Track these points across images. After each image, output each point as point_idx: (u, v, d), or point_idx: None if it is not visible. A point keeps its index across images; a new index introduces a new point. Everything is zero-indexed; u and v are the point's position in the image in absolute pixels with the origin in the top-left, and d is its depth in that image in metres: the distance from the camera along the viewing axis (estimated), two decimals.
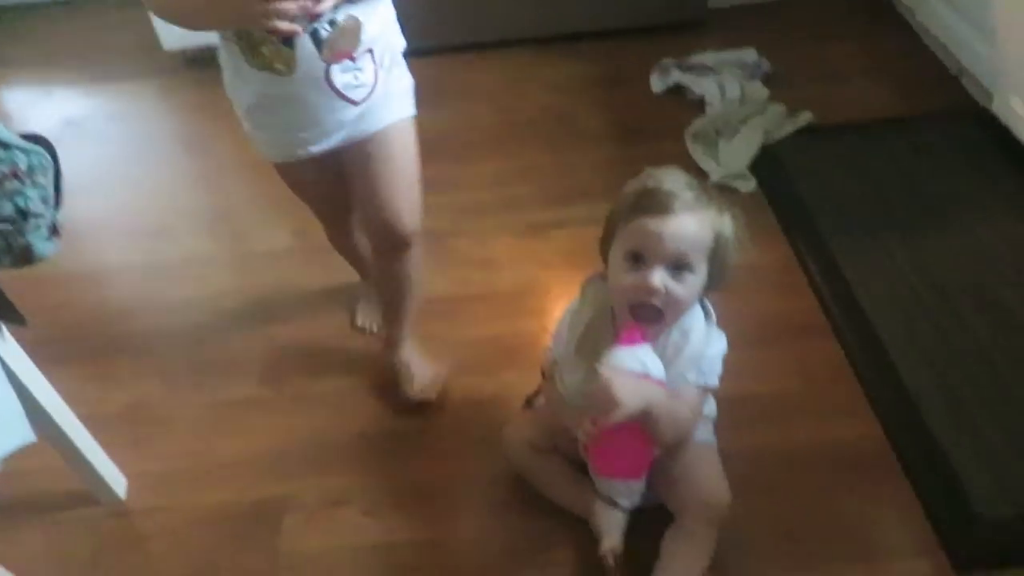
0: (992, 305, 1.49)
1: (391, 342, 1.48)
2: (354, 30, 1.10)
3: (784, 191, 1.82)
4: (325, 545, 1.27)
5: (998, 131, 1.82)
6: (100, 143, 2.18)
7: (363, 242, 1.47)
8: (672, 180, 1.05)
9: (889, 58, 2.20)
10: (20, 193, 1.05)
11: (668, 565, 1.12)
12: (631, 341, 1.03)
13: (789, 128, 1.97)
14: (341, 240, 1.52)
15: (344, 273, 1.65)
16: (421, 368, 1.46)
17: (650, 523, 1.18)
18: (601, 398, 0.99)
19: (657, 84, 2.17)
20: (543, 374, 1.24)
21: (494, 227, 1.83)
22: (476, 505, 1.30)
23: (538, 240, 1.78)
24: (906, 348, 1.43)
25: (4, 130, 1.03)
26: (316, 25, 1.06)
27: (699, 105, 2.08)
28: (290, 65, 1.10)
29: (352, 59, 1.12)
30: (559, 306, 1.65)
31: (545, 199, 1.88)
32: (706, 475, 1.16)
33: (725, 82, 2.08)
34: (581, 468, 1.20)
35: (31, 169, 1.05)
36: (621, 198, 1.08)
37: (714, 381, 1.10)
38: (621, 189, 1.10)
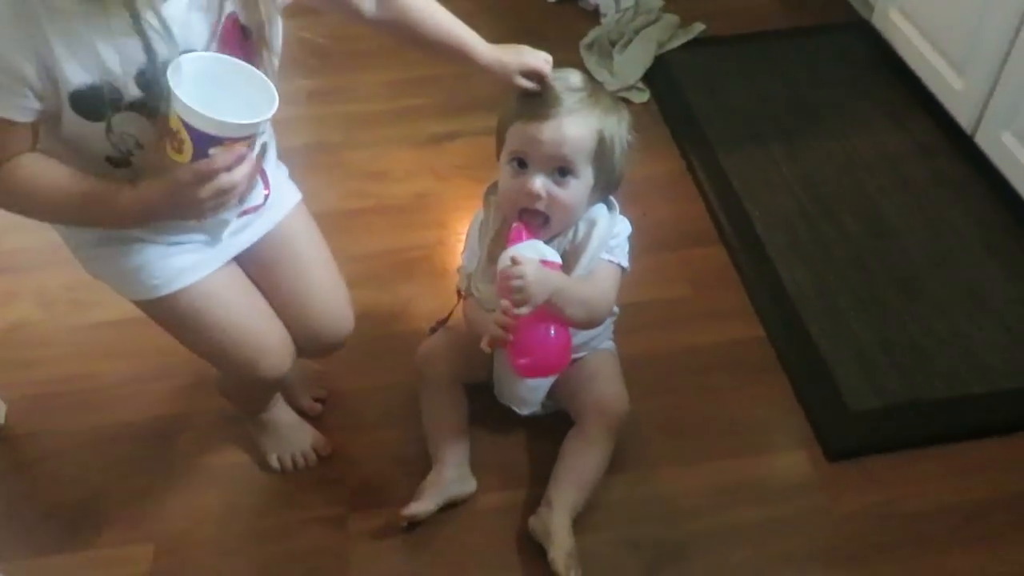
0: (867, 212, 1.57)
1: None
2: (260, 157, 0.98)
3: (676, 102, 1.84)
4: (225, 462, 1.26)
5: (878, 43, 1.88)
6: None
7: None
8: (561, 82, 1.04)
9: None
10: None
11: (568, 466, 1.15)
12: (518, 238, 1.02)
13: (682, 39, 1.98)
14: None
15: None
16: (299, 372, 1.29)
17: (550, 428, 1.22)
18: (508, 286, 0.97)
19: None
20: (459, 293, 1.21)
21: (388, 139, 1.79)
22: (377, 418, 1.30)
23: (433, 152, 1.76)
24: (787, 254, 1.50)
25: None
26: None
27: (594, 16, 2.07)
28: None
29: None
30: (455, 218, 1.66)
31: (439, 110, 1.85)
32: (606, 383, 1.19)
33: None
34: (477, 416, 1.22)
35: None
36: (508, 101, 1.07)
37: (624, 261, 1.11)
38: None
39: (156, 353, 1.35)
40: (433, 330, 1.29)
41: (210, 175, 0.80)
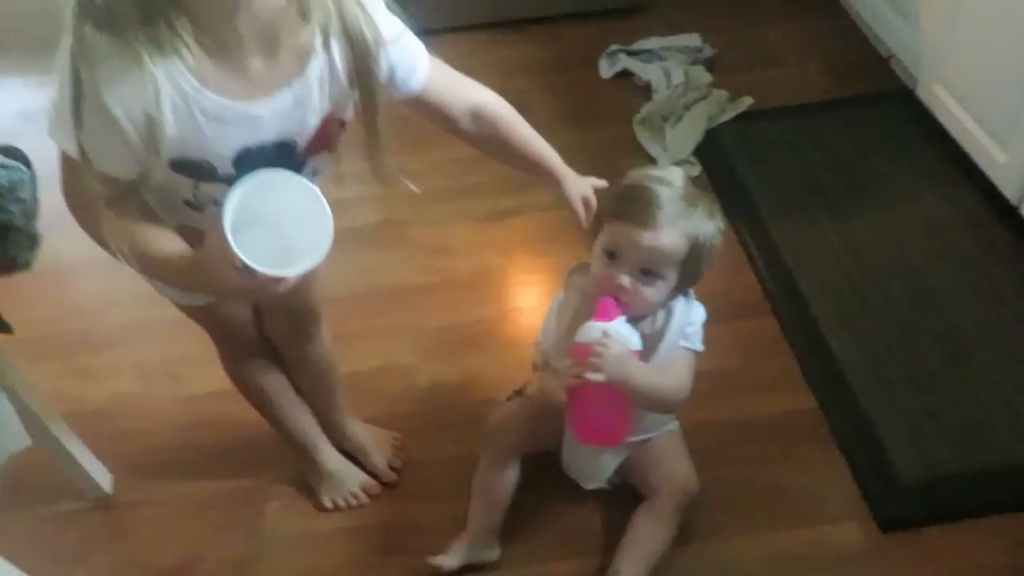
0: (915, 282, 1.62)
1: (333, 425, 1.42)
2: None
3: (726, 174, 1.93)
4: (307, 529, 1.36)
5: (924, 115, 1.94)
6: None
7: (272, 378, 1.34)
8: (662, 188, 1.09)
9: (823, 41, 2.30)
10: (2, 209, 1.09)
11: (637, 540, 1.22)
12: (606, 316, 1.09)
13: (731, 112, 2.07)
14: (252, 366, 1.32)
15: None
16: (375, 439, 1.44)
17: (615, 499, 1.30)
18: (587, 351, 1.05)
19: (605, 69, 2.24)
20: (534, 367, 1.30)
21: (451, 215, 1.90)
22: (447, 487, 1.38)
23: (495, 227, 1.86)
24: (837, 325, 1.56)
25: None
26: None
27: (646, 90, 2.16)
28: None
29: None
30: (518, 291, 1.75)
31: (500, 186, 1.95)
32: (676, 462, 1.26)
33: (670, 68, 2.16)
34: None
35: (12, 185, 1.09)
36: (615, 189, 1.15)
37: (699, 346, 1.18)
38: (619, 179, 1.16)
39: (244, 425, 1.47)
40: (509, 399, 1.38)
41: (250, 288, 0.87)
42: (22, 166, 1.10)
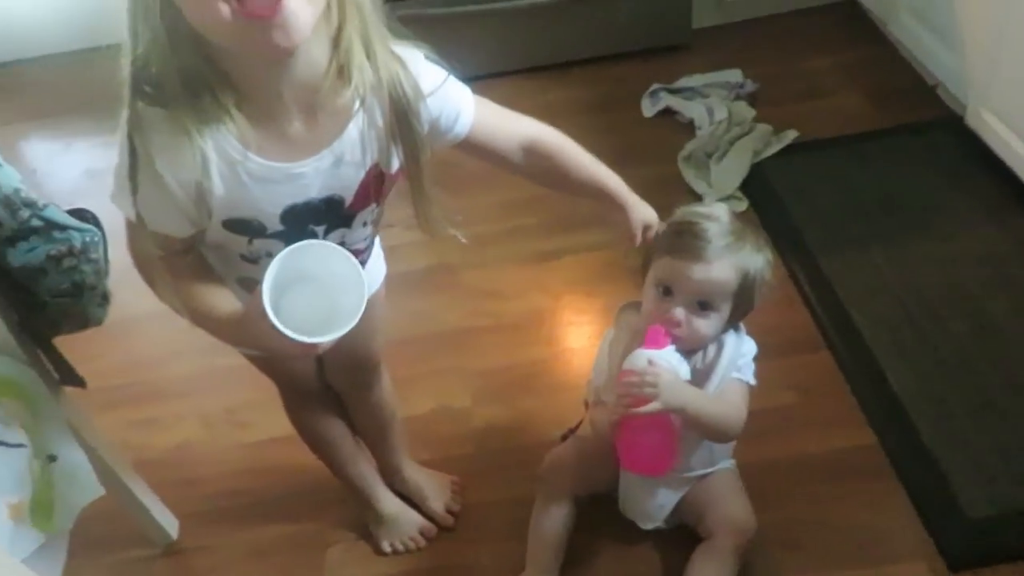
0: (974, 313, 1.60)
1: (392, 470, 1.45)
2: (370, 246, 1.12)
3: (774, 209, 1.92)
4: (366, 572, 1.38)
5: (973, 141, 1.92)
6: None
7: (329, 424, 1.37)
8: (710, 223, 1.12)
9: (867, 71, 2.29)
10: (76, 269, 1.15)
11: None
12: (656, 343, 1.10)
13: (776, 146, 2.07)
14: (313, 413, 1.35)
15: None
16: (433, 483, 1.46)
17: (674, 540, 1.29)
18: (636, 381, 1.06)
19: (648, 108, 2.27)
20: (586, 404, 1.31)
21: (500, 258, 1.92)
22: (504, 530, 1.39)
23: (543, 269, 1.88)
24: (894, 358, 1.54)
25: (59, 213, 1.12)
26: None
27: (689, 127, 2.18)
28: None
29: None
30: (568, 332, 1.77)
31: (548, 228, 1.98)
32: (734, 502, 1.25)
33: (713, 104, 2.18)
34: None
35: (85, 246, 1.15)
36: (664, 227, 1.17)
37: (751, 378, 1.19)
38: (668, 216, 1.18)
39: (304, 470, 1.49)
40: (564, 438, 1.39)
41: (291, 349, 0.88)
42: (94, 228, 1.16)
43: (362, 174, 0.94)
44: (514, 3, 2.34)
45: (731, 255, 1.10)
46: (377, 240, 1.18)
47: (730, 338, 1.18)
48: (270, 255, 0.94)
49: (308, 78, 0.85)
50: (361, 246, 1.06)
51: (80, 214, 1.17)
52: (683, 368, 1.11)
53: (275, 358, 1.19)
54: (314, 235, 0.96)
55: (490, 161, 1.09)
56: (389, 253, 1.96)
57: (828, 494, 1.36)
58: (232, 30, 0.75)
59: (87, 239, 1.14)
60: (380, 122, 0.92)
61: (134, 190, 0.86)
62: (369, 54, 0.87)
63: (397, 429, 1.43)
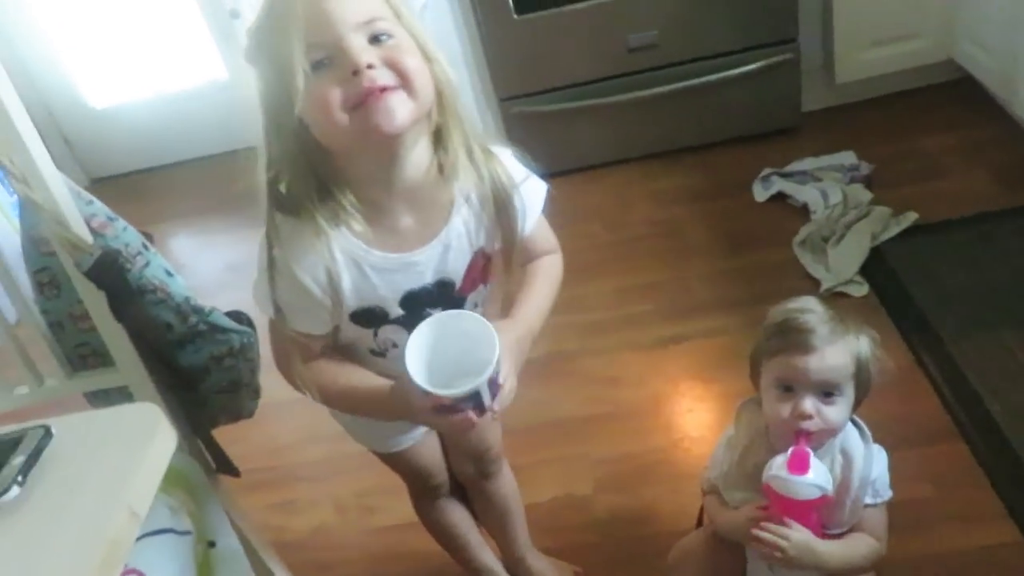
0: None
1: (515, 559, 1.48)
2: None
3: (897, 293, 1.89)
4: None
5: None
6: None
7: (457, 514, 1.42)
8: (808, 315, 1.13)
9: (988, 148, 2.25)
10: (234, 368, 1.25)
11: None
12: (800, 468, 1.09)
13: (895, 229, 2.04)
14: (441, 507, 1.40)
15: None
16: (555, 572, 1.49)
17: None
18: (770, 542, 1.09)
19: (760, 193, 2.29)
20: (703, 492, 1.32)
21: (618, 344, 1.96)
22: None
23: (661, 355, 1.90)
24: None
25: (222, 317, 1.24)
26: None
27: (803, 212, 2.18)
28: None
29: None
30: (688, 420, 1.77)
31: (664, 314, 2.01)
32: None
33: (827, 188, 2.18)
34: None
35: (243, 347, 1.25)
36: (761, 334, 1.18)
37: (888, 493, 1.17)
38: (753, 307, 1.20)
39: (430, 556, 1.54)
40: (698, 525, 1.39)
41: (442, 415, 0.94)
42: (250, 329, 1.27)
43: (468, 257, 1.04)
44: (624, 96, 2.43)
45: (838, 339, 1.11)
46: None
47: (856, 445, 1.16)
48: (395, 346, 1.04)
49: (414, 175, 0.96)
50: None
51: (237, 316, 1.29)
52: (828, 486, 1.10)
53: (409, 454, 1.26)
54: (427, 315, 1.00)
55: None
56: None
57: None
58: (349, 131, 0.88)
59: (244, 340, 1.25)
60: (481, 210, 1.01)
61: (274, 293, 0.98)
62: (470, 153, 0.98)
63: (519, 518, 1.46)
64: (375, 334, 1.05)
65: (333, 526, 1.71)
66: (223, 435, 1.36)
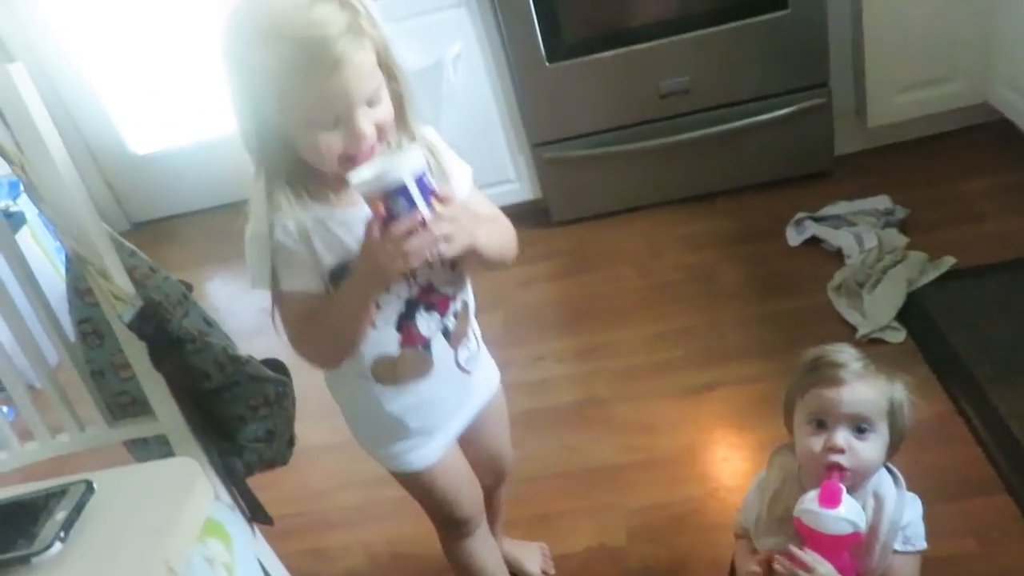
0: None
1: None
2: (466, 312, 1.20)
3: (935, 339, 1.86)
4: None
5: None
6: None
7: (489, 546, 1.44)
8: (839, 353, 1.14)
9: None
10: (269, 418, 1.27)
11: None
12: (832, 502, 1.08)
13: (932, 274, 2.02)
14: (472, 545, 1.40)
15: None
16: (526, 550, 1.61)
17: None
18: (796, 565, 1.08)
19: (793, 238, 2.28)
20: (736, 536, 1.31)
21: (651, 391, 1.95)
22: None
23: (694, 402, 1.89)
24: None
25: (258, 366, 1.26)
26: (445, 321, 1.15)
27: (837, 256, 2.17)
28: (429, 365, 1.16)
29: (467, 336, 1.21)
30: (722, 469, 1.75)
31: (696, 360, 1.99)
32: None
33: (861, 232, 2.17)
34: None
35: (278, 396, 1.27)
36: (795, 374, 1.18)
37: (922, 544, 1.15)
38: (787, 353, 1.20)
39: None
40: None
41: (389, 234, 0.97)
42: (285, 379, 1.29)
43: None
44: (656, 141, 2.44)
45: (870, 376, 1.11)
46: (484, 348, 1.29)
47: (889, 490, 1.14)
48: (378, 307, 1.09)
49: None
50: (445, 286, 1.14)
51: (272, 364, 1.31)
52: (860, 522, 1.09)
53: (439, 472, 1.27)
54: None
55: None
56: (540, 387, 2.05)
57: None
58: (336, 168, 1.00)
59: (279, 389, 1.27)
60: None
61: (261, 260, 1.04)
62: (415, 133, 1.10)
63: (503, 517, 1.58)
64: None
65: (364, 573, 1.70)
66: (255, 481, 1.37)
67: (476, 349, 1.25)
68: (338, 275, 1.06)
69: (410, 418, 1.19)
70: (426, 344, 1.14)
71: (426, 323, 1.13)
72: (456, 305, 1.17)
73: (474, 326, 1.24)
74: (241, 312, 2.65)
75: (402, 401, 1.17)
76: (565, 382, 2.05)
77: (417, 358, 1.15)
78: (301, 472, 1.96)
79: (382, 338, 1.12)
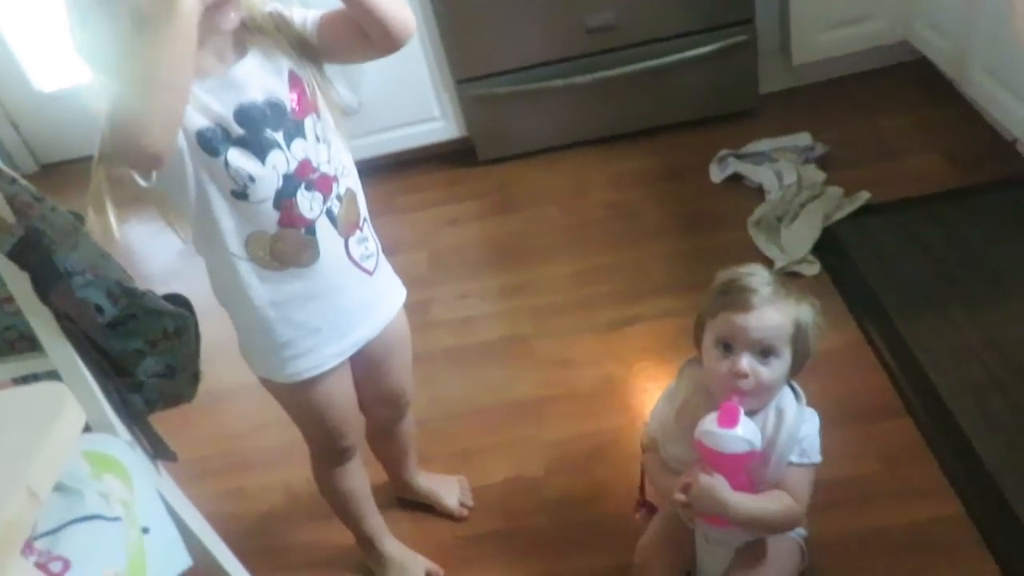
0: None
1: (408, 484, 1.60)
2: (353, 200, 1.17)
3: (848, 272, 1.90)
4: None
5: None
6: None
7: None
8: (751, 277, 1.16)
9: (942, 129, 2.27)
10: (169, 352, 1.23)
11: None
12: (730, 422, 1.10)
13: (848, 209, 2.05)
14: (344, 473, 1.42)
15: None
16: (444, 485, 1.61)
17: None
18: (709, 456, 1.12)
19: (716, 174, 2.29)
20: (642, 448, 1.33)
21: (573, 327, 1.95)
22: None
23: (616, 337, 1.90)
24: (981, 425, 1.49)
25: (155, 300, 1.21)
26: (328, 203, 1.12)
27: (758, 193, 2.18)
28: (315, 251, 1.13)
29: (360, 228, 1.18)
30: (642, 400, 1.77)
31: (619, 296, 2.00)
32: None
33: (782, 169, 2.19)
34: None
35: (177, 330, 1.23)
36: (707, 296, 1.20)
37: (817, 457, 1.18)
38: (707, 286, 1.20)
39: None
40: (637, 508, 1.39)
41: None
42: (186, 312, 1.24)
43: (286, 76, 1.09)
44: (581, 78, 2.41)
45: (779, 301, 1.14)
46: (386, 261, 1.26)
47: (790, 406, 1.17)
48: (252, 179, 1.06)
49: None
50: (326, 165, 1.12)
51: (174, 299, 1.26)
52: (756, 440, 1.11)
53: (327, 390, 1.25)
54: (274, 141, 1.07)
55: (356, 40, 1.09)
56: (463, 325, 2.03)
57: (913, 568, 1.32)
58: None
59: (180, 323, 1.22)
60: (278, 35, 1.09)
61: None
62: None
63: (413, 450, 1.58)
64: (226, 164, 1.05)
65: (283, 512, 1.69)
66: (172, 422, 1.33)
67: (375, 250, 1.22)
68: (205, 140, 1.04)
69: (295, 309, 1.16)
70: (309, 228, 1.11)
71: (308, 202, 1.10)
72: (339, 188, 1.14)
73: (370, 225, 1.22)
74: (157, 256, 2.57)
75: (285, 288, 1.14)
76: (488, 320, 2.04)
77: (299, 240, 1.12)
78: (221, 413, 1.93)
79: (258, 215, 1.09)
